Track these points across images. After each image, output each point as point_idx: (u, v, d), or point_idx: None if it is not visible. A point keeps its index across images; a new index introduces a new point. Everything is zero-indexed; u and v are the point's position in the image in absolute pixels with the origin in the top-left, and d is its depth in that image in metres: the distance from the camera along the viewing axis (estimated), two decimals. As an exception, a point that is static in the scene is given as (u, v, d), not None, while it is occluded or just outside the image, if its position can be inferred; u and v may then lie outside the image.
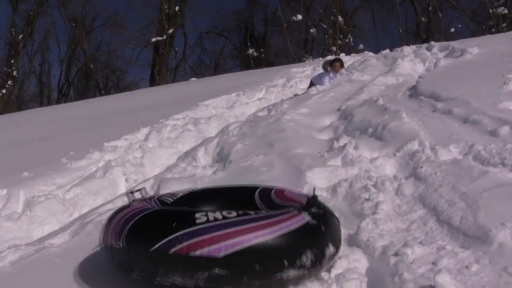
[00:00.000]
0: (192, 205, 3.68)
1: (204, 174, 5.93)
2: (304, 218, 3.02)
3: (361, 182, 4.51)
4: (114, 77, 43.42)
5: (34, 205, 5.33)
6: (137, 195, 3.56)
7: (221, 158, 6.49)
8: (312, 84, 11.47)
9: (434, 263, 3.00)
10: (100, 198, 5.88)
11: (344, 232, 3.63)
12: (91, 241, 4.09)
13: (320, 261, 3.00)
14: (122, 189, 6.23)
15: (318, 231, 3.04)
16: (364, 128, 6.23)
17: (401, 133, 5.52)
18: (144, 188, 3.65)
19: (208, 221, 2.83)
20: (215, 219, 2.85)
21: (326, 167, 5.03)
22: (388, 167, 4.95)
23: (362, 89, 9.01)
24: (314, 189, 3.55)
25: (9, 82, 33.22)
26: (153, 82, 33.03)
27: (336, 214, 3.49)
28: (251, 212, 2.98)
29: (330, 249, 3.07)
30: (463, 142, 4.94)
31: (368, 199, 4.13)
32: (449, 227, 3.39)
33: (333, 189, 4.55)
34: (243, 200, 3.80)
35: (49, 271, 3.69)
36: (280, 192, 3.78)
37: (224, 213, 2.92)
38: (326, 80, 11.26)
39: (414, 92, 7.75)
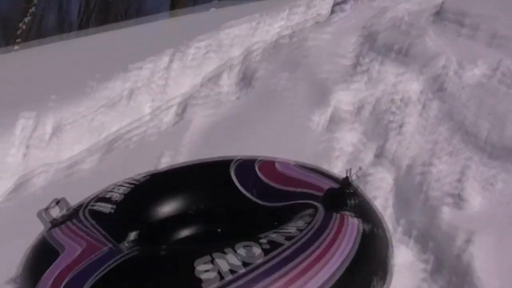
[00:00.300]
0: (144, 210, 2.55)
1: (228, 99, 5.94)
2: (355, 225, 2.03)
3: (386, 102, 4.51)
4: (134, 4, 42.98)
5: (62, 129, 5.38)
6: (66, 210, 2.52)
7: (245, 83, 6.48)
8: (334, 9, 11.28)
9: (460, 177, 3.01)
10: (126, 122, 5.91)
11: (369, 152, 3.64)
12: (119, 163, 4.15)
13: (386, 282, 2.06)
14: (147, 111, 6.25)
15: (377, 241, 2.11)
16: (388, 49, 6.15)
17: (426, 53, 5.45)
18: (63, 199, 2.64)
19: (222, 278, 1.64)
20: (233, 271, 1.66)
21: (350, 89, 5.01)
22: (414, 86, 4.90)
23: (385, 14, 8.83)
24: (348, 170, 2.40)
25: (28, 15, 33.12)
26: (173, 8, 32.61)
27: (361, 134, 3.48)
28: (281, 239, 1.85)
29: (392, 256, 2.19)
30: (490, 59, 4.87)
31: (393, 118, 4.13)
32: (476, 142, 3.40)
33: (358, 110, 4.55)
34: (218, 189, 2.65)
35: (79, 194, 3.75)
36: (270, 167, 2.70)
37: (241, 250, 1.75)
38: (347, 6, 11.05)
39: (437, 16, 7.59)
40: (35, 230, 2.88)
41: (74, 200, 3.14)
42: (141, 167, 4.43)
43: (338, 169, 3.60)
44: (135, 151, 4.96)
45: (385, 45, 6.32)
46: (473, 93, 4.16)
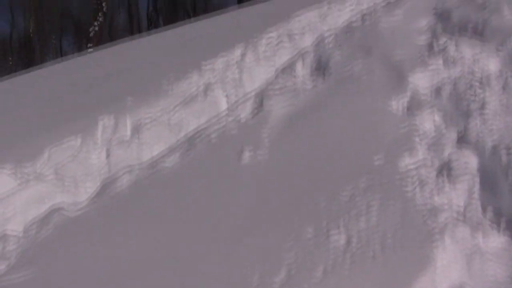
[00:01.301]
0: None
1: (304, 87, 5.95)
2: None
3: (465, 81, 4.45)
4: (201, 0, 43.20)
5: (141, 129, 5.50)
6: None
7: (320, 71, 6.47)
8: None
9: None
10: (203, 119, 6.00)
11: (451, 136, 3.61)
12: (200, 160, 4.22)
13: None
14: (224, 107, 6.32)
15: None
16: (463, 26, 6.02)
17: (503, 28, 5.32)
18: None
19: None
20: None
21: (428, 69, 4.96)
22: (492, 64, 4.81)
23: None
24: None
25: (99, 18, 33.73)
26: (240, 1, 32.67)
27: (441, 117, 3.45)
28: None
29: None
30: None
31: (474, 98, 4.07)
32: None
33: (437, 90, 4.51)
34: None
35: (163, 192, 3.83)
36: None
37: None
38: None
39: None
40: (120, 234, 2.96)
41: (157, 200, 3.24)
42: (222, 163, 4.52)
43: (419, 155, 3.59)
44: (215, 147, 5.03)
45: (459, 23, 6.18)
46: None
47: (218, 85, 6.76)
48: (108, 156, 5.24)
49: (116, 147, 5.24)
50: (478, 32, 5.65)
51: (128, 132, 5.65)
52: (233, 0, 36.77)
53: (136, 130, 5.57)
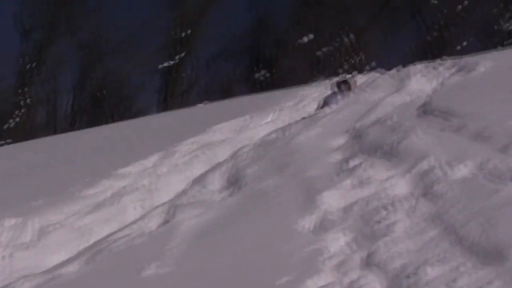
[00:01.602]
0: None
1: (216, 200, 5.89)
2: None
3: (375, 203, 4.47)
4: (124, 104, 43.44)
5: (47, 233, 5.35)
6: None
7: (233, 183, 6.46)
8: (321, 105, 11.43)
9: (450, 283, 2.94)
10: (111, 226, 5.87)
11: (358, 258, 3.58)
12: (102, 270, 4.07)
13: None
14: (132, 216, 6.21)
15: None
16: (376, 147, 6.16)
17: (414, 151, 5.45)
18: None
19: None
20: None
21: (339, 189, 4.99)
22: (402, 187, 4.87)
23: (373, 108, 8.93)
24: None
25: (17, 112, 33.34)
26: (162, 108, 33.10)
27: (349, 238, 3.42)
28: None
29: None
30: (476, 158, 4.86)
31: (382, 220, 4.08)
32: (465, 246, 3.33)
33: (346, 210, 4.50)
34: None
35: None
36: None
37: None
38: (336, 101, 11.21)
39: (425, 109, 7.67)
40: None
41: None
42: (124, 275, 4.34)
43: (326, 277, 3.52)
44: (119, 257, 4.86)
45: (372, 144, 6.32)
46: (461, 192, 4.13)
47: (130, 192, 6.65)
48: (9, 259, 5.01)
49: (18, 250, 5.01)
50: (388, 154, 5.76)
51: (33, 235, 5.44)
52: (155, 107, 37.31)
53: (42, 233, 5.37)
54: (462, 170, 4.69)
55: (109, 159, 9.06)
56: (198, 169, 7.73)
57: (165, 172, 7.52)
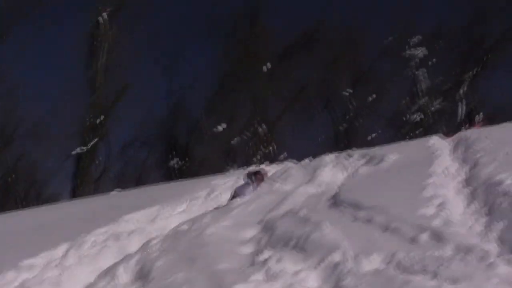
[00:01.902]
0: None
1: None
2: None
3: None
4: (35, 189, 42.34)
5: None
6: None
7: (142, 276, 6.27)
8: (234, 195, 11.41)
9: None
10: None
11: None
12: None
13: None
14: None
15: None
16: (286, 240, 6.16)
17: (324, 245, 5.48)
18: None
19: None
20: None
21: (250, 282, 4.93)
22: (312, 280, 4.87)
23: (284, 200, 8.99)
24: None
25: None
26: (75, 194, 32.37)
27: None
28: None
29: None
30: (385, 250, 4.94)
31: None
32: None
33: (257, 305, 4.45)
34: None
35: None
36: None
37: None
38: (248, 191, 11.23)
39: (335, 201, 7.80)
40: None
41: None
42: None
43: None
44: None
45: (284, 236, 6.31)
46: (372, 285, 4.16)
47: (35, 285, 6.38)
48: None
49: None
50: (300, 247, 5.77)
51: None
52: (67, 193, 36.50)
53: None
54: (372, 262, 4.75)
55: (14, 249, 8.70)
56: (107, 261, 7.49)
57: (73, 264, 7.26)
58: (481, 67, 34.81)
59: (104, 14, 32.57)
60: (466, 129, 17.44)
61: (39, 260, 7.42)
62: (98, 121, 32.94)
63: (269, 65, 32.09)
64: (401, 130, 34.20)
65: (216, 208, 10.75)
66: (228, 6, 52.41)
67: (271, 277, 5.05)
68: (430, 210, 6.00)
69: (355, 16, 47.68)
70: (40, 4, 33.95)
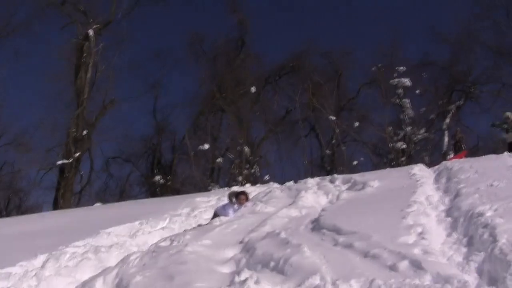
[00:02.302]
0: None
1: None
2: None
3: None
4: (17, 198, 42.01)
5: None
6: None
7: (119, 291, 6.24)
8: (216, 214, 11.38)
9: None
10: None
11: None
12: None
13: None
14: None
15: None
16: (266, 261, 6.15)
17: (303, 268, 5.49)
18: None
19: None
20: None
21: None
22: (289, 305, 4.87)
23: (266, 221, 8.98)
24: None
25: None
26: (56, 206, 32.12)
27: None
28: None
29: None
30: (364, 277, 4.95)
31: None
32: None
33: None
34: None
35: None
36: None
37: None
38: (231, 211, 11.22)
39: (316, 225, 7.80)
40: None
41: None
42: None
43: None
44: None
45: (263, 258, 6.31)
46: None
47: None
48: None
49: None
50: (279, 269, 5.77)
51: None
52: (49, 204, 36.25)
53: None
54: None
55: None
56: (86, 273, 7.45)
57: (51, 275, 7.20)
58: (465, 99, 35.18)
59: (91, 31, 32.60)
60: (451, 158, 17.56)
61: (17, 269, 7.36)
62: (82, 134, 32.81)
63: (253, 88, 32.16)
64: (386, 157, 34.37)
65: (198, 226, 10.72)
66: (216, 29, 52.98)
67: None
68: (410, 239, 6.03)
69: (341, 43, 48.40)
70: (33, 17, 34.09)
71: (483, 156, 14.10)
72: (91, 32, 32.74)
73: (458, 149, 18.69)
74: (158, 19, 54.80)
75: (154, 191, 36.81)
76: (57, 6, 33.60)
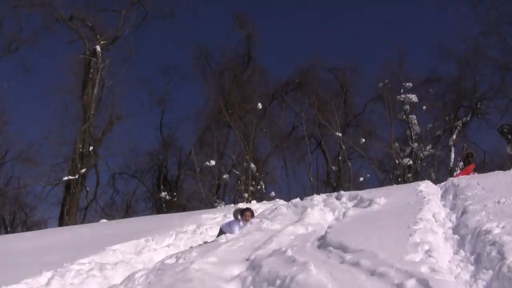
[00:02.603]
0: None
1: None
2: None
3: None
4: (22, 213, 41.99)
5: None
6: None
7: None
8: (222, 231, 11.35)
9: None
10: None
11: None
12: None
13: None
14: None
15: None
16: (272, 279, 6.12)
17: (309, 286, 5.45)
18: None
19: None
20: None
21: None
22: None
23: (272, 239, 8.94)
24: None
25: None
26: (62, 221, 32.09)
27: None
28: None
29: None
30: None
31: None
32: None
33: None
34: None
35: None
36: None
37: None
38: (236, 228, 11.18)
39: (322, 242, 7.76)
40: None
41: None
42: None
43: None
44: None
45: (268, 276, 6.28)
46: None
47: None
48: None
49: None
50: (285, 287, 5.73)
51: None
52: (54, 220, 36.25)
53: None
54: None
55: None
56: (90, 291, 7.44)
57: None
58: (472, 115, 35.10)
59: (98, 46, 32.76)
60: (458, 174, 17.45)
61: (22, 287, 7.35)
62: (88, 150, 32.89)
63: (260, 105, 32.17)
64: (392, 173, 34.26)
65: (204, 243, 10.68)
66: (223, 44, 53.20)
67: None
68: (417, 256, 5.98)
69: (347, 59, 48.50)
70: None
71: (490, 173, 14.04)
72: (98, 48, 32.90)
73: (468, 163, 18.55)
74: (165, 34, 55.00)
75: (160, 207, 36.77)
76: (65, 21, 33.82)
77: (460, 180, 12.04)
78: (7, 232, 34.54)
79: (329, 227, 9.04)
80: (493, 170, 15.59)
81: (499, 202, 8.24)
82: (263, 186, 33.26)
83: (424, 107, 33.46)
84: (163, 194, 37.18)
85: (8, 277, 7.80)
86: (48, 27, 34.15)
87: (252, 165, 31.66)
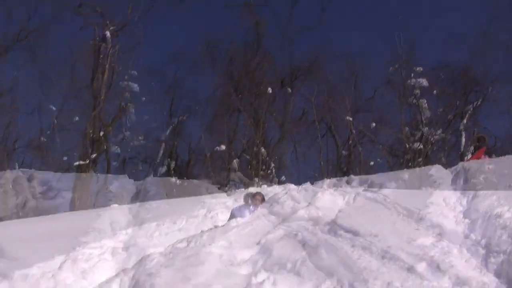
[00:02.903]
0: None
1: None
2: None
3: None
4: (33, 199, 42.21)
5: None
6: None
7: (137, 293, 6.25)
8: (232, 215, 11.36)
9: None
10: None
11: None
12: None
13: None
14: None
15: None
16: (283, 263, 6.14)
17: (319, 270, 5.47)
18: None
19: None
20: None
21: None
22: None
23: (282, 223, 8.95)
24: None
25: None
26: (73, 207, 32.23)
27: None
28: None
29: None
30: (381, 279, 4.92)
31: None
32: None
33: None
34: None
35: None
36: None
37: None
38: (247, 212, 11.18)
39: (333, 226, 7.76)
40: None
41: None
42: None
43: None
44: None
45: (279, 260, 6.30)
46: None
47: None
48: None
49: None
50: (296, 271, 5.75)
51: None
52: (65, 205, 36.37)
53: None
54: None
55: (10, 260, 8.66)
56: (103, 275, 7.48)
57: (69, 276, 7.23)
58: (483, 100, 34.89)
59: (108, 32, 32.71)
60: (470, 159, 17.35)
61: (34, 271, 7.39)
62: (99, 135, 32.95)
63: (270, 89, 32.10)
64: (402, 158, 34.15)
65: (216, 227, 10.71)
66: (232, 30, 53.04)
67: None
68: (428, 240, 5.99)
69: (357, 44, 48.22)
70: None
71: (501, 157, 13.98)
72: (108, 34, 32.86)
73: (479, 147, 18.39)
74: (174, 21, 54.80)
75: (170, 192, 36.86)
76: (74, 8, 33.78)
77: (471, 164, 11.99)
78: (19, 217, 34.73)
79: (339, 211, 9.03)
80: (504, 155, 15.50)
81: (510, 186, 8.21)
82: (273, 171, 33.28)
83: (435, 91, 33.29)
84: (174, 179, 37.28)
85: (20, 262, 7.85)
86: (57, 15, 34.08)
87: (263, 150, 31.69)
